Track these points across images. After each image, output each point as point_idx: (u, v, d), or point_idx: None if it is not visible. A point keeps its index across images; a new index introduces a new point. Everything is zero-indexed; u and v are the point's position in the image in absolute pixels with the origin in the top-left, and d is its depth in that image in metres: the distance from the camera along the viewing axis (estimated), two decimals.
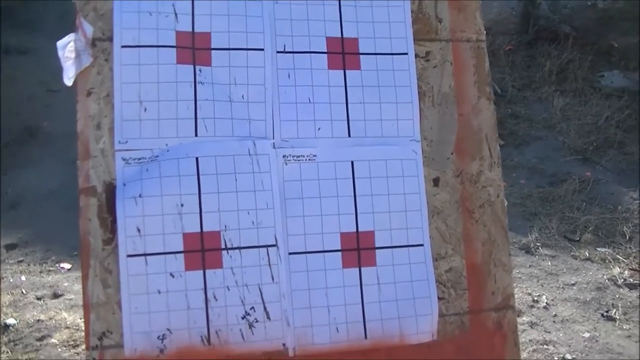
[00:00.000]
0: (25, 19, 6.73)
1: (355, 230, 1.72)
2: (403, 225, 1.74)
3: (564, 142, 5.30)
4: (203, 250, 1.63)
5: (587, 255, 4.02)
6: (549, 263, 3.95)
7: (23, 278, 3.78)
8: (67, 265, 3.91)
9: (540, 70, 5.97)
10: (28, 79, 5.85)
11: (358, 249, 1.72)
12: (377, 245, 1.73)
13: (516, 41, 6.07)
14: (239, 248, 1.65)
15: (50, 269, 3.93)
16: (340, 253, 1.71)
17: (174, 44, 1.68)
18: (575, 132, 5.37)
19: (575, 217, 4.44)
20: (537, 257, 4.05)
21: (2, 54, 6.26)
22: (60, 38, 1.67)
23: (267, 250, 1.67)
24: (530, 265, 3.93)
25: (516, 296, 3.45)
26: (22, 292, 3.60)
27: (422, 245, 1.75)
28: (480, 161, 1.82)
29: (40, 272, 3.89)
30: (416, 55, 1.82)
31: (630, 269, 3.84)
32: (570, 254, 4.06)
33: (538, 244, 4.15)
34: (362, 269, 1.71)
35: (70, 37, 1.68)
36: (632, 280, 3.73)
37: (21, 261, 4.01)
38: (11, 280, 3.74)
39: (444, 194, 1.79)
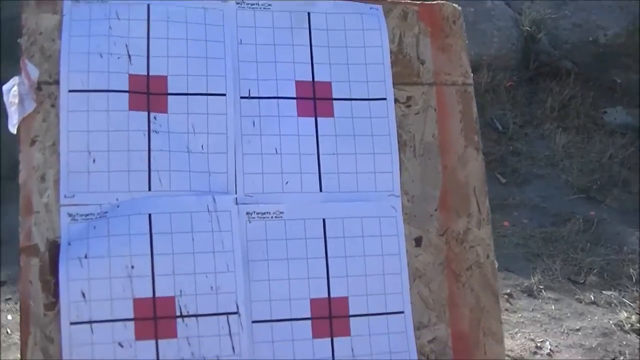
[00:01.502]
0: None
1: (327, 296, 1.52)
2: (381, 290, 1.54)
3: (567, 180, 5.11)
4: (155, 318, 1.43)
5: (592, 298, 3.86)
6: (553, 307, 3.80)
7: (9, 317, 3.62)
8: None
9: (542, 106, 5.78)
10: None
11: (330, 317, 1.51)
12: (351, 313, 1.52)
13: (517, 77, 5.90)
14: (196, 315, 1.45)
15: None
16: (310, 321, 1.51)
17: (127, 89, 1.50)
18: (578, 170, 5.17)
19: (579, 259, 4.27)
20: (540, 300, 3.90)
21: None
22: None
23: (228, 318, 1.46)
24: (533, 309, 3.80)
25: (518, 342, 3.36)
26: (7, 332, 3.43)
27: (402, 312, 1.55)
28: (467, 218, 1.62)
29: None
30: (396, 101, 1.62)
31: (638, 314, 3.69)
32: (574, 297, 3.90)
33: (541, 287, 4.00)
34: (335, 339, 1.51)
35: (15, 80, 1.51)
36: (639, 325, 3.58)
37: (9, 299, 3.85)
38: None
39: (427, 255, 1.59)
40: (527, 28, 5.91)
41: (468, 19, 5.72)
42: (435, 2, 1.71)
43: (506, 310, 3.79)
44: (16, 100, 1.49)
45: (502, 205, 4.81)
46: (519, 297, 3.91)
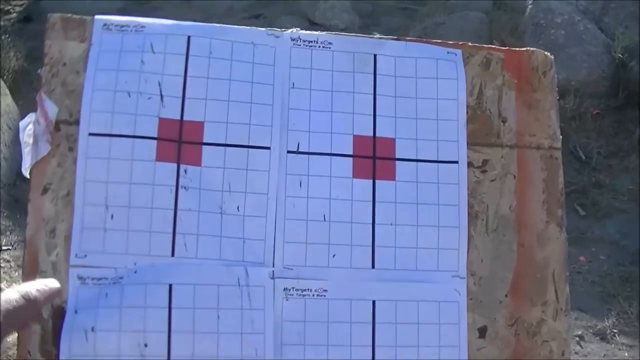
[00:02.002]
0: None
1: None
2: None
3: None
4: None
5: None
6: (626, 354, 3.56)
7: None
8: None
9: (628, 137, 5.49)
10: None
11: None
12: None
13: (605, 105, 5.63)
14: None
15: None
16: None
17: (155, 135, 1.26)
18: None
19: None
20: (612, 345, 3.66)
21: None
22: None
23: None
24: (604, 355, 3.55)
25: None
26: None
27: None
28: (542, 307, 1.33)
29: None
30: (469, 165, 1.34)
31: None
32: None
33: (615, 331, 3.75)
34: None
35: (31, 117, 1.28)
36: None
37: None
38: None
39: (492, 348, 1.30)
40: (619, 55, 5.59)
41: (558, 41, 5.48)
42: (524, 49, 1.43)
43: (576, 353, 3.56)
44: (31, 141, 1.26)
45: (580, 238, 4.55)
46: (590, 341, 3.68)
